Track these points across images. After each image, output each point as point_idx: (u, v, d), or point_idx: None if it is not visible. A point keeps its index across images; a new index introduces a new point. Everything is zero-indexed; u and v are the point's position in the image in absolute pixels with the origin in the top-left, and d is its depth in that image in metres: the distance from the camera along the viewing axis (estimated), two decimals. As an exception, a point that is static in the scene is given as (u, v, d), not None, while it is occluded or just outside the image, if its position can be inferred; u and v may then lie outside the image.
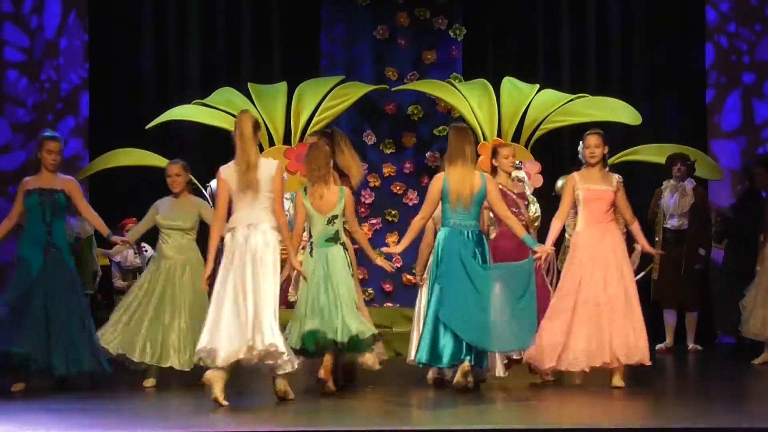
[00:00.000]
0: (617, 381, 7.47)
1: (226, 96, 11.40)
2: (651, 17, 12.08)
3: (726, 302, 10.19)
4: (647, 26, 12.08)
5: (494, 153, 8.35)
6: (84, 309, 7.81)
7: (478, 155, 10.96)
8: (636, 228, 7.84)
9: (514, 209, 7.97)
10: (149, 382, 7.85)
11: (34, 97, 11.91)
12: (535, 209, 9.84)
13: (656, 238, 10.15)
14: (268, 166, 7.09)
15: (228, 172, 7.09)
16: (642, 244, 7.87)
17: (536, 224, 9.86)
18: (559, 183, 10.10)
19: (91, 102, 11.99)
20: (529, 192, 9.51)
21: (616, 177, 7.80)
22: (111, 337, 7.75)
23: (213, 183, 11.27)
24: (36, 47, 11.95)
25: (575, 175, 7.79)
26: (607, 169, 7.92)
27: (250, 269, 6.93)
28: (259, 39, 12.12)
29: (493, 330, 7.26)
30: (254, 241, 6.98)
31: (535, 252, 7.45)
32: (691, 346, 10.29)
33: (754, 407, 7.19)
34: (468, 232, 7.46)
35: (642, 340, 7.48)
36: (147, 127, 11.33)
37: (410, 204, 11.51)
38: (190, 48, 12.05)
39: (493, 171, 8.37)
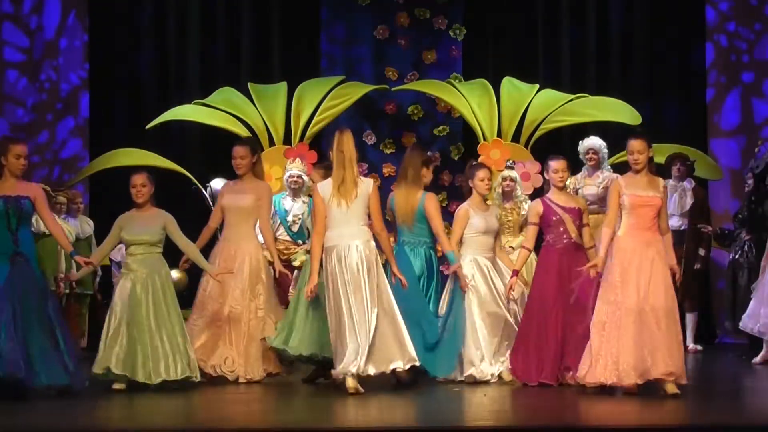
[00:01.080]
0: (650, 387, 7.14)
1: (226, 96, 11.42)
2: (651, 17, 12.08)
3: (731, 301, 10.15)
4: (647, 26, 12.08)
5: (546, 167, 8.11)
6: (54, 319, 7.36)
7: (479, 155, 11.02)
8: (668, 239, 7.40)
9: (560, 228, 7.75)
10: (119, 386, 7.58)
11: (34, 97, 11.92)
12: (528, 208, 9.83)
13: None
14: (365, 184, 7.40)
15: (325, 188, 7.36)
16: (670, 256, 7.38)
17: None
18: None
19: (91, 102, 11.99)
20: (520, 192, 9.52)
21: (662, 182, 7.39)
22: (112, 363, 7.52)
23: (213, 183, 11.28)
24: (36, 47, 11.96)
25: (619, 179, 7.38)
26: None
27: (352, 287, 7.26)
28: (259, 39, 12.12)
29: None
30: (352, 259, 7.28)
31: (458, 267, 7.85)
32: (691, 346, 10.28)
33: (754, 406, 7.20)
34: (417, 250, 7.94)
35: (680, 358, 7.13)
36: (147, 127, 11.34)
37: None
38: (190, 48, 12.05)
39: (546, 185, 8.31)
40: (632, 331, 7.05)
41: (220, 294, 8.02)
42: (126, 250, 7.89)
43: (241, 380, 7.93)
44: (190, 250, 7.90)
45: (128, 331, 7.58)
